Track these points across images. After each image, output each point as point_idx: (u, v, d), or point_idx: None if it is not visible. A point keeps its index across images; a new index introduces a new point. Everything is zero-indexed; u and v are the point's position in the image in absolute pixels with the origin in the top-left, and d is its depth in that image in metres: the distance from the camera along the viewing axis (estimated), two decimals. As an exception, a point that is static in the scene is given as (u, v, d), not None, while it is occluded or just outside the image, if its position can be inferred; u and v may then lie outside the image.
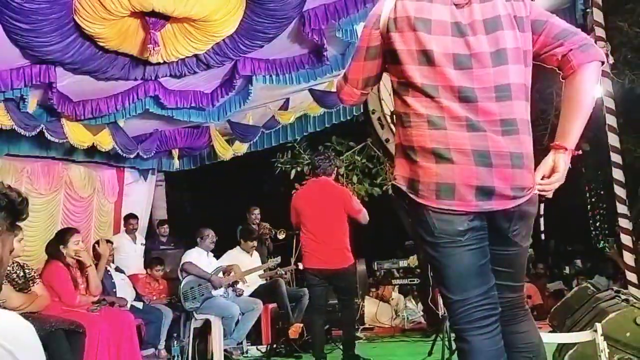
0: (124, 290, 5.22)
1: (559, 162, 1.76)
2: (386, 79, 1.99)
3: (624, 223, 4.76)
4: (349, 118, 6.94)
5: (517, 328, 1.87)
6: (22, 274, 3.74)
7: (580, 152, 1.82)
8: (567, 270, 9.57)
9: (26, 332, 1.10)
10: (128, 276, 5.65)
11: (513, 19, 1.78)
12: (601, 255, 9.05)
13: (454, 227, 1.73)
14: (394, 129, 2.11)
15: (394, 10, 1.78)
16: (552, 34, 1.81)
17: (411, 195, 1.77)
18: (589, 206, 11.92)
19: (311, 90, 5.92)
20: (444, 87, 1.73)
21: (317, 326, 4.68)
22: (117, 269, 5.42)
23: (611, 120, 4.70)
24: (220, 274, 5.79)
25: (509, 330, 1.85)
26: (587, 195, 11.97)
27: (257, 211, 7.13)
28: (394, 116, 1.89)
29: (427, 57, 1.74)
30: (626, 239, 4.77)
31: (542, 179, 1.78)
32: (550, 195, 1.75)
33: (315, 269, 4.57)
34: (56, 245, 4.36)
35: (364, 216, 4.63)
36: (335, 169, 4.80)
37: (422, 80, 1.74)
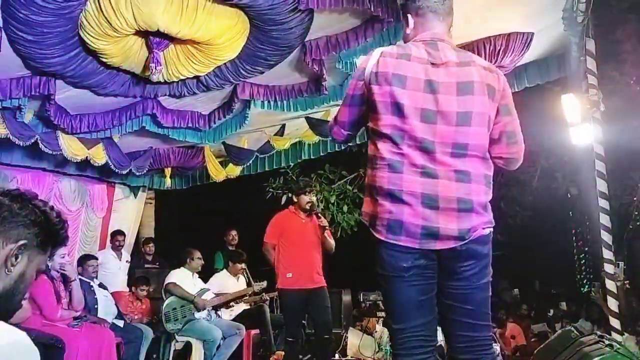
0: (107, 307, 5.14)
1: None
2: None
3: (609, 268, 4.81)
4: (343, 148, 7.00)
5: None
6: (4, 284, 3.69)
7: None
8: (551, 312, 9.57)
9: (30, 356, 1.06)
10: (111, 293, 5.57)
11: (485, 87, 1.97)
12: (586, 299, 9.07)
13: (399, 263, 1.92)
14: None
15: (377, 65, 1.97)
16: (504, 128, 2.01)
17: (371, 230, 1.97)
18: (574, 250, 12.00)
19: (308, 118, 5.98)
20: (409, 136, 1.92)
21: None
22: (101, 285, 5.34)
23: (600, 166, 4.79)
24: (205, 296, 5.73)
25: None
26: (574, 239, 12.07)
27: (234, 232, 7.12)
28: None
29: (398, 109, 1.93)
30: (611, 285, 4.81)
31: None
32: None
33: None
34: (41, 257, 4.30)
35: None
36: (293, 196, 4.86)
37: (392, 129, 1.94)
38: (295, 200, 4.78)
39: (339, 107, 2.18)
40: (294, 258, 4.58)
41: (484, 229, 1.94)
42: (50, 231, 1.22)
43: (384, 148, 1.94)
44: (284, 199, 8.78)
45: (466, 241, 1.90)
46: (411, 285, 1.92)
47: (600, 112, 4.78)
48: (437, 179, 1.90)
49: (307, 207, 4.69)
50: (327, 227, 4.84)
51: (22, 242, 1.16)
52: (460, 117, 1.92)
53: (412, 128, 1.91)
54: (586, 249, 11.53)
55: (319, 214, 4.84)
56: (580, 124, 4.87)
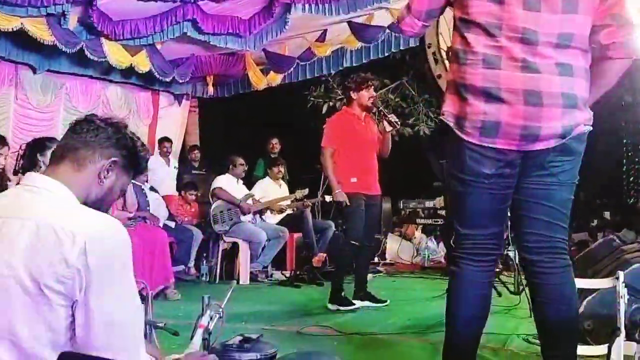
0: (158, 209, 5.42)
1: None
2: (446, 12, 1.99)
3: (659, 178, 4.68)
4: (386, 54, 6.79)
5: (553, 279, 1.87)
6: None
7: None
8: (594, 222, 9.48)
9: (117, 244, 1.23)
10: (162, 196, 5.85)
11: None
12: (631, 209, 8.93)
13: (483, 170, 1.81)
14: (447, 65, 2.11)
15: None
16: (612, 10, 1.79)
17: (456, 131, 1.83)
18: (624, 160, 11.63)
19: (350, 23, 5.79)
20: (508, 27, 1.73)
21: None
22: (152, 189, 5.61)
23: (661, 71, 4.51)
24: (249, 201, 5.97)
25: (545, 280, 1.88)
26: (624, 149, 11.66)
27: (275, 141, 7.21)
28: (450, 52, 1.91)
29: None
30: (660, 195, 4.70)
31: None
32: None
33: None
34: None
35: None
36: (352, 93, 4.29)
37: (487, 18, 1.74)
38: (353, 97, 4.23)
39: None
40: (356, 162, 4.20)
41: (585, 125, 1.82)
42: (135, 156, 1.37)
43: (477, 40, 1.76)
44: (325, 107, 8.73)
45: (567, 138, 1.78)
46: (490, 193, 1.84)
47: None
48: (539, 74, 1.74)
49: (370, 103, 4.20)
50: (398, 124, 4.41)
51: (113, 158, 1.32)
52: (566, 4, 1.74)
53: (513, 16, 1.72)
54: (637, 159, 11.16)
55: (383, 110, 4.32)
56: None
